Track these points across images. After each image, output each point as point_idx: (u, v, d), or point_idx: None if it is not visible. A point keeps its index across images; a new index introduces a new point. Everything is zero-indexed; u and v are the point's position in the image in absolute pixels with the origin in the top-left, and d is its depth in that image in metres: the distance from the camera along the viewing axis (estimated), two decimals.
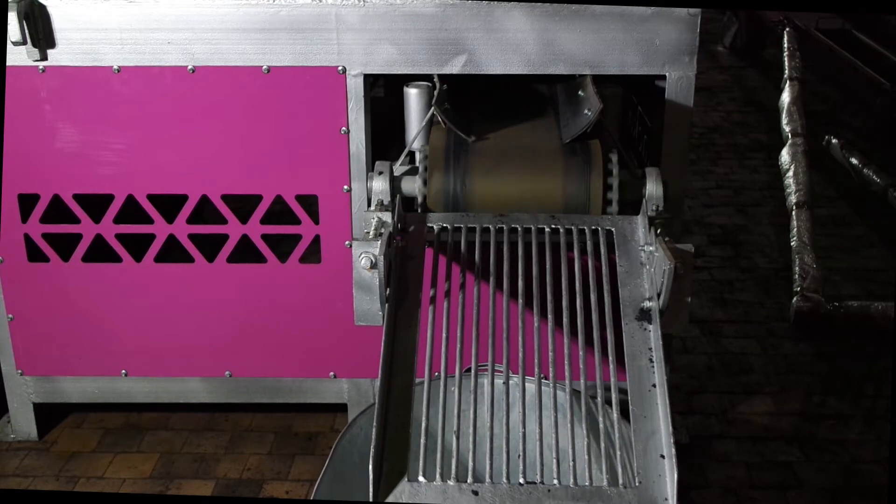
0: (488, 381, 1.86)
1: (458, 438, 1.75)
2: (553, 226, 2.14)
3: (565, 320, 1.94)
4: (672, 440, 1.73)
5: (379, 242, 1.97)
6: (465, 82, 2.48)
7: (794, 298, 3.39)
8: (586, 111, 2.25)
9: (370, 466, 1.68)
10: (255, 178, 2.53)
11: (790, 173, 4.18)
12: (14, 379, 2.73)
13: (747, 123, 5.47)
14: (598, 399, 1.82)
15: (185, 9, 2.38)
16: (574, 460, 1.74)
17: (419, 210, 2.25)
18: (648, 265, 2.04)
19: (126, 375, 2.71)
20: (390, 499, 1.68)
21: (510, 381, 1.87)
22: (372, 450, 1.69)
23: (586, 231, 2.13)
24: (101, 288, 2.63)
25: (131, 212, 2.58)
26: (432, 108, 2.33)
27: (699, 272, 3.70)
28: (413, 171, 2.31)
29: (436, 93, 2.35)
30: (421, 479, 1.70)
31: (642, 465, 1.74)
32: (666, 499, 1.69)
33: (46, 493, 2.38)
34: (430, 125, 2.38)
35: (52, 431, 2.81)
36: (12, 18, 2.31)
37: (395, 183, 2.25)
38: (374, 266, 1.97)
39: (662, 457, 1.74)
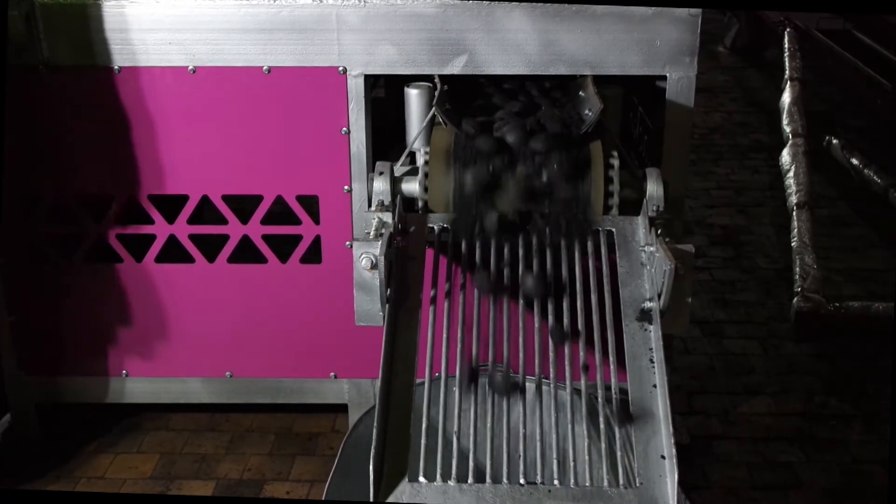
0: (489, 381, 1.86)
1: (458, 438, 1.76)
2: None
3: (566, 320, 1.94)
4: (673, 441, 1.73)
5: (379, 243, 1.97)
6: (467, 83, 2.48)
7: (795, 299, 3.39)
8: (587, 111, 2.25)
9: (370, 467, 1.68)
10: (255, 178, 2.53)
11: (791, 174, 4.17)
12: (15, 379, 2.73)
13: (748, 124, 5.47)
14: (599, 399, 1.82)
15: (186, 9, 2.38)
16: (575, 461, 1.74)
17: (420, 210, 2.25)
18: (649, 266, 2.04)
19: (127, 376, 2.72)
20: (391, 499, 1.69)
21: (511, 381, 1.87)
22: (372, 450, 1.70)
23: None
24: (101, 288, 2.63)
25: (132, 212, 2.58)
26: (433, 108, 2.33)
27: (700, 273, 3.69)
28: (414, 172, 2.31)
29: (436, 93, 2.35)
30: (421, 479, 1.71)
31: (643, 465, 1.74)
32: (667, 500, 1.69)
33: (47, 493, 2.38)
34: (431, 125, 2.38)
35: (53, 431, 2.81)
36: (13, 19, 2.31)
37: (395, 183, 2.25)
38: (374, 266, 1.98)
39: (663, 457, 1.75)
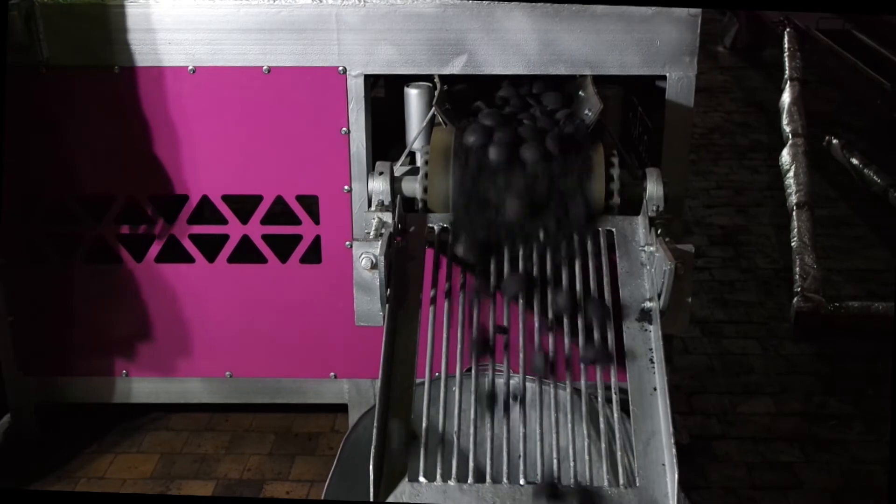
0: (489, 380, 1.86)
1: (458, 438, 1.75)
2: None
3: (566, 320, 1.94)
4: (672, 440, 1.73)
5: (379, 243, 1.97)
6: (467, 83, 2.48)
7: (795, 299, 3.39)
8: (587, 111, 2.25)
9: (370, 467, 1.68)
10: (255, 178, 2.53)
11: (791, 174, 4.18)
12: (15, 379, 2.73)
13: (748, 124, 5.47)
14: (599, 399, 1.82)
15: (185, 9, 2.38)
16: (575, 460, 1.74)
17: (419, 210, 2.25)
18: (649, 266, 2.04)
19: (126, 376, 2.72)
20: (391, 499, 1.68)
21: (511, 381, 1.87)
22: (372, 450, 1.70)
23: None
24: (101, 288, 2.63)
25: (132, 212, 2.58)
26: (433, 108, 2.33)
27: (700, 272, 3.69)
28: (413, 172, 2.31)
29: (436, 93, 2.35)
30: (421, 479, 1.71)
31: (643, 465, 1.74)
32: (667, 500, 1.69)
33: (47, 493, 2.38)
34: (431, 125, 2.38)
35: (53, 431, 2.81)
36: (13, 19, 2.31)
37: (395, 183, 2.25)
38: (374, 266, 1.97)
39: (663, 458, 1.74)
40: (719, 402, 2.95)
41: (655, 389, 1.85)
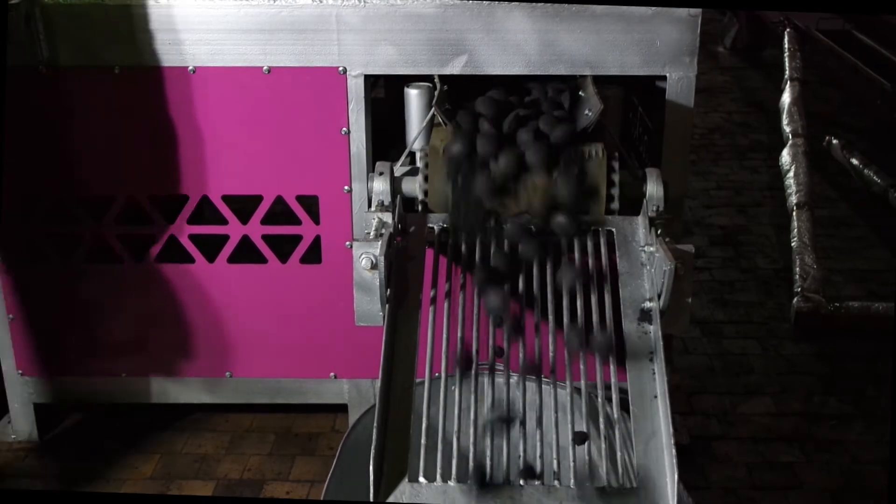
0: (488, 380, 1.86)
1: (458, 438, 1.76)
2: None
3: (566, 320, 1.94)
4: (673, 440, 1.73)
5: (379, 243, 1.97)
6: (467, 83, 2.48)
7: (795, 299, 3.39)
8: (587, 112, 2.24)
9: (370, 467, 1.68)
10: (255, 178, 2.53)
11: (791, 174, 4.18)
12: (14, 379, 2.73)
13: (748, 124, 5.47)
14: (599, 399, 1.82)
15: (186, 9, 2.38)
16: (574, 460, 1.74)
17: (420, 210, 2.25)
18: (649, 266, 2.04)
19: (126, 376, 2.71)
20: (391, 499, 1.69)
21: (510, 381, 1.87)
22: (372, 450, 1.70)
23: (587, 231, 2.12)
24: (101, 288, 2.63)
25: (132, 212, 2.58)
26: (433, 108, 2.33)
27: (700, 273, 3.69)
28: (413, 172, 2.31)
29: (436, 93, 2.35)
30: (421, 479, 1.71)
31: (643, 465, 1.74)
32: (667, 500, 1.69)
33: (47, 494, 2.38)
34: (431, 126, 2.38)
35: (53, 432, 2.81)
36: (13, 18, 2.31)
37: (395, 183, 2.25)
38: (374, 266, 1.98)
39: (663, 458, 1.74)
40: (719, 402, 2.95)
41: (655, 388, 1.85)
